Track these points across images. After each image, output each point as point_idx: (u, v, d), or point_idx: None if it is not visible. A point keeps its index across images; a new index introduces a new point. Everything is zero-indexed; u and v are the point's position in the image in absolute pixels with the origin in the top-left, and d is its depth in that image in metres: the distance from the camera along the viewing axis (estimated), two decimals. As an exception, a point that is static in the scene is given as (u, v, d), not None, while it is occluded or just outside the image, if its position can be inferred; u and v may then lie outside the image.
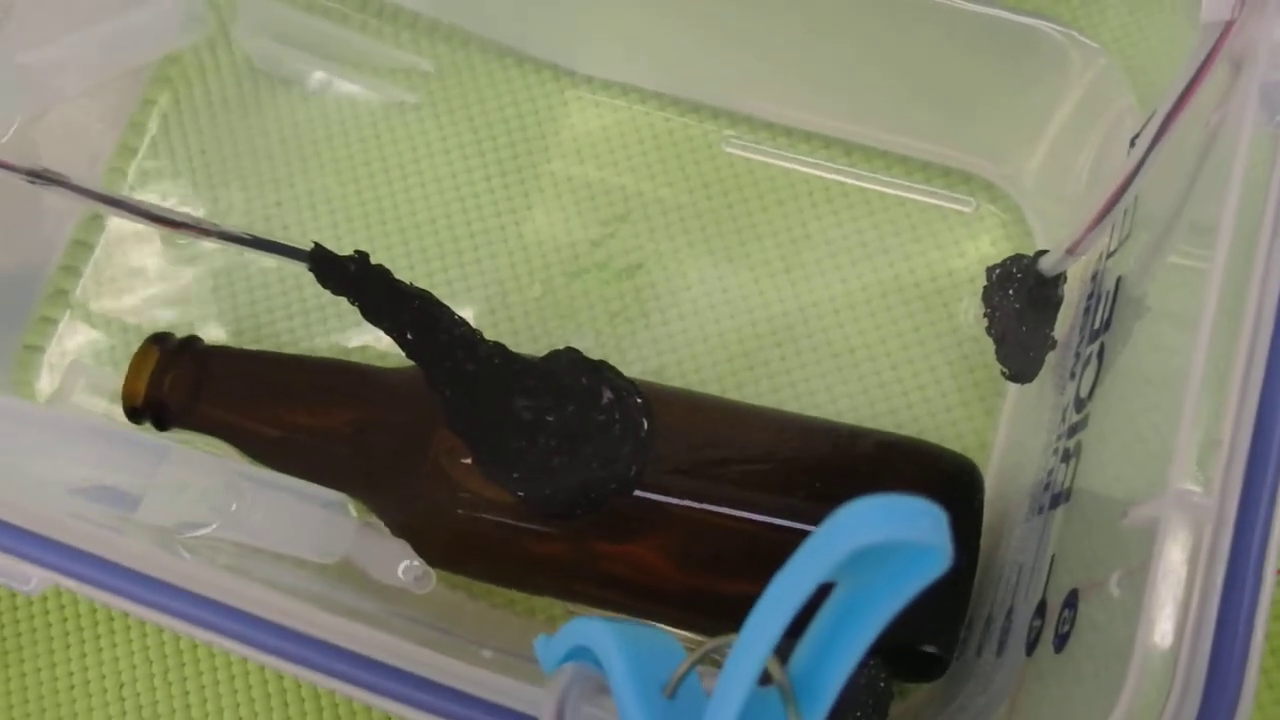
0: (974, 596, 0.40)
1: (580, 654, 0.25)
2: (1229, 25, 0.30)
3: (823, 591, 0.21)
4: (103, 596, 0.28)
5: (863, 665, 0.38)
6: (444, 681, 0.27)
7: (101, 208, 0.41)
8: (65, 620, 0.48)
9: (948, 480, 0.41)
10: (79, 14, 0.45)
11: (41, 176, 0.39)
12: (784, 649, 0.20)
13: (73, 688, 0.47)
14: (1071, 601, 0.31)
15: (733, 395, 0.48)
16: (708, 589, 0.41)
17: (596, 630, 0.24)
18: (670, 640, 0.24)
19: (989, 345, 0.43)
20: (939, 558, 0.18)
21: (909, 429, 0.47)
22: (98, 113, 0.53)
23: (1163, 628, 0.25)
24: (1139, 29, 0.44)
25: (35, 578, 0.28)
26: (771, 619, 0.18)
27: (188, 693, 0.47)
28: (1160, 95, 0.32)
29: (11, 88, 0.43)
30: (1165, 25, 0.42)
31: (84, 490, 0.35)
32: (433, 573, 0.40)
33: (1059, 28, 0.44)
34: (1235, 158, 0.28)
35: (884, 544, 0.17)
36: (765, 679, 0.21)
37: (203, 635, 0.29)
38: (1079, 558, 0.32)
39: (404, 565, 0.39)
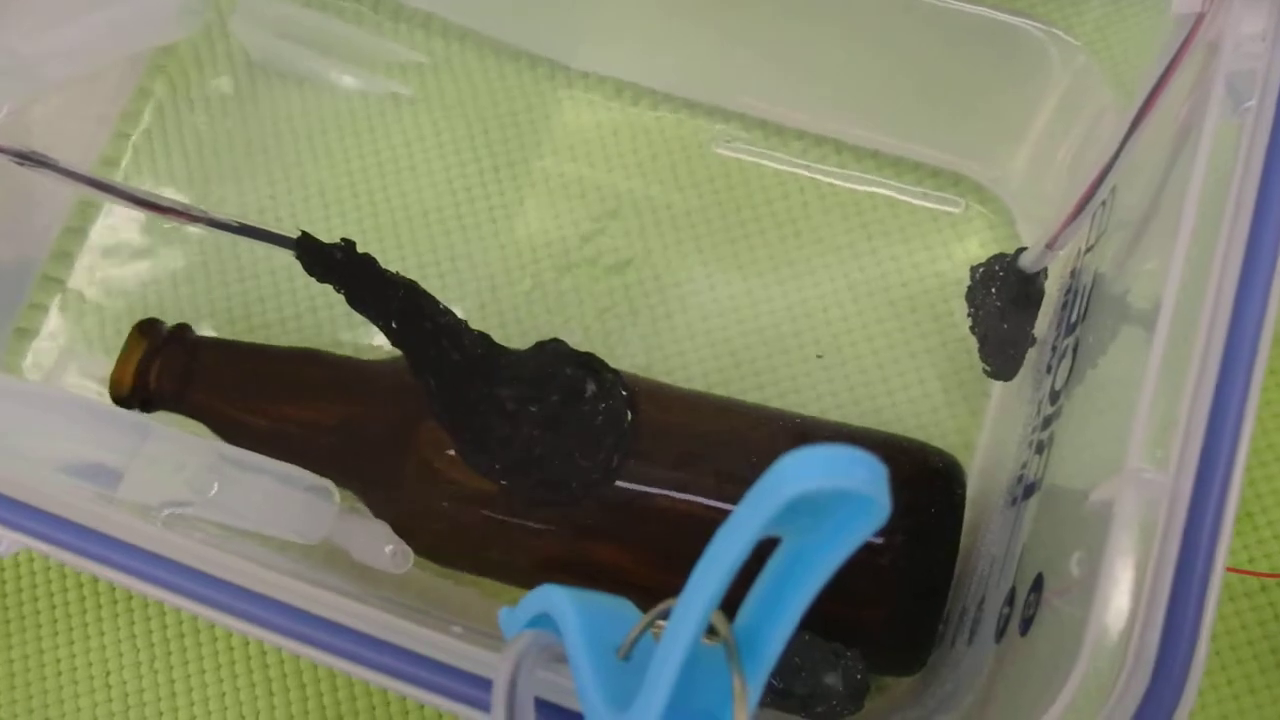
0: (953, 591, 0.40)
1: (542, 623, 0.25)
2: (1200, 18, 0.30)
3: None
4: (69, 558, 0.28)
5: (841, 658, 0.38)
6: (409, 648, 0.27)
7: (89, 191, 0.41)
8: (54, 608, 0.48)
9: (929, 475, 0.42)
10: (75, 1, 0.46)
11: (30, 159, 0.39)
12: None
13: (60, 674, 0.48)
14: (1037, 586, 0.31)
15: (719, 392, 0.48)
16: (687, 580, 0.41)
17: (554, 596, 0.24)
18: (628, 605, 0.25)
19: (975, 345, 0.43)
20: (878, 508, 0.18)
21: (895, 428, 0.47)
22: (93, 100, 0.53)
23: (1117, 604, 0.25)
24: (1119, 25, 0.44)
25: (5, 539, 0.29)
26: (713, 573, 0.19)
27: (173, 681, 0.47)
28: (1136, 90, 0.32)
29: (5, 73, 0.44)
30: (1143, 21, 0.42)
31: (68, 467, 0.36)
32: (411, 552, 0.40)
33: (1040, 25, 0.44)
34: (1202, 144, 0.28)
35: (823, 495, 0.18)
36: (715, 635, 0.21)
37: (177, 601, 0.29)
38: (1046, 544, 0.33)
39: (383, 544, 0.40)
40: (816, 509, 0.18)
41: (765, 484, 0.18)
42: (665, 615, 0.23)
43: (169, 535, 0.30)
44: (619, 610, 0.24)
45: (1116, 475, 0.26)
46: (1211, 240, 0.27)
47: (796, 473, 0.17)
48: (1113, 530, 0.25)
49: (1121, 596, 0.25)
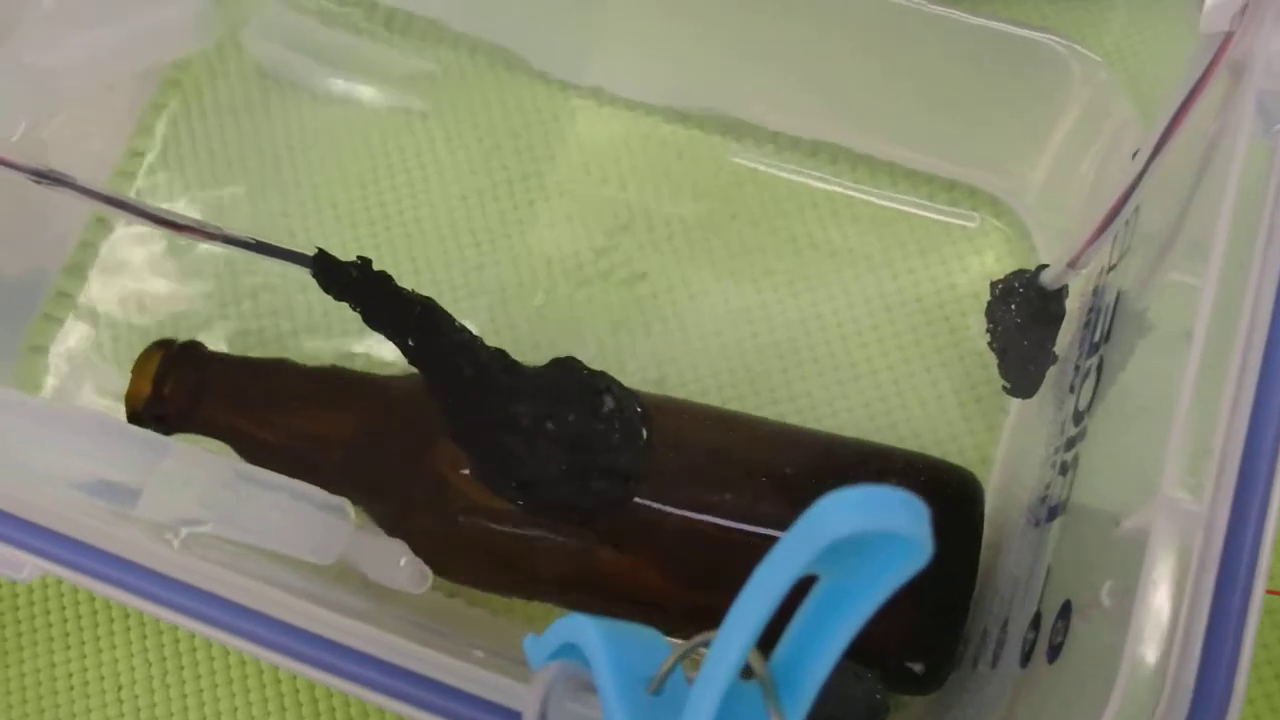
0: (972, 610, 0.40)
1: (569, 652, 0.25)
2: (1228, 36, 0.30)
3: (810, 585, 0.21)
4: (92, 584, 0.28)
5: (858, 677, 0.38)
6: (432, 675, 0.27)
7: (105, 209, 0.41)
8: (65, 621, 0.48)
9: (947, 493, 0.41)
10: (89, 16, 0.45)
11: (47, 176, 0.39)
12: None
13: (71, 688, 0.47)
14: (1065, 613, 0.31)
15: (733, 407, 0.48)
16: (705, 599, 0.41)
17: (583, 627, 0.24)
18: (658, 637, 0.25)
19: (992, 361, 0.43)
20: (920, 550, 0.17)
21: (911, 444, 0.47)
22: (107, 115, 0.53)
23: (1152, 636, 0.24)
24: (1141, 41, 0.44)
25: (28, 565, 0.28)
26: (751, 611, 0.18)
27: (185, 696, 0.47)
28: (1160, 107, 0.32)
29: (20, 89, 0.43)
30: (1166, 37, 0.42)
31: (84, 485, 0.36)
32: (429, 572, 0.40)
33: (1060, 40, 0.44)
34: (1232, 165, 0.28)
35: (864, 535, 0.17)
36: (749, 673, 0.21)
37: (192, 625, 0.29)
38: (1074, 569, 0.32)
39: (400, 564, 0.39)
40: (856, 549, 0.18)
41: (805, 525, 0.18)
42: (697, 649, 0.22)
43: (183, 558, 0.30)
44: (649, 642, 0.24)
45: (1150, 503, 0.26)
46: (1244, 263, 0.27)
47: (837, 514, 0.17)
48: (1147, 560, 0.25)
49: (1158, 628, 0.24)
